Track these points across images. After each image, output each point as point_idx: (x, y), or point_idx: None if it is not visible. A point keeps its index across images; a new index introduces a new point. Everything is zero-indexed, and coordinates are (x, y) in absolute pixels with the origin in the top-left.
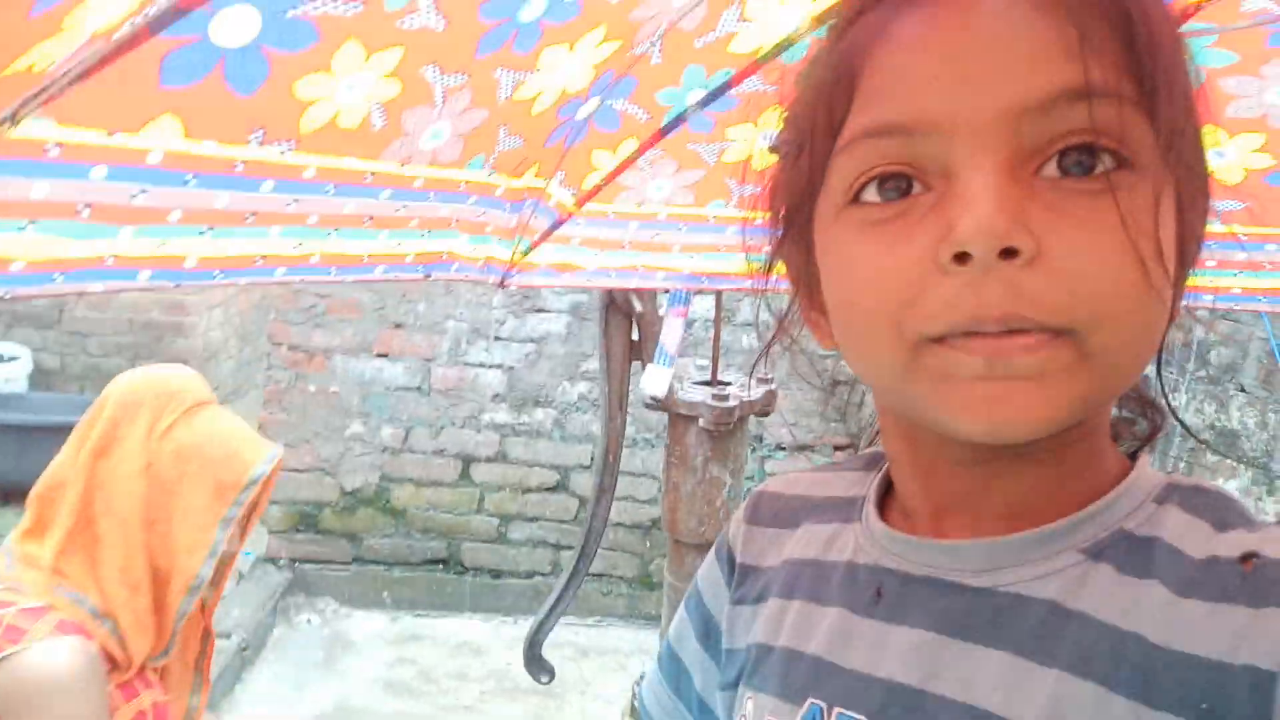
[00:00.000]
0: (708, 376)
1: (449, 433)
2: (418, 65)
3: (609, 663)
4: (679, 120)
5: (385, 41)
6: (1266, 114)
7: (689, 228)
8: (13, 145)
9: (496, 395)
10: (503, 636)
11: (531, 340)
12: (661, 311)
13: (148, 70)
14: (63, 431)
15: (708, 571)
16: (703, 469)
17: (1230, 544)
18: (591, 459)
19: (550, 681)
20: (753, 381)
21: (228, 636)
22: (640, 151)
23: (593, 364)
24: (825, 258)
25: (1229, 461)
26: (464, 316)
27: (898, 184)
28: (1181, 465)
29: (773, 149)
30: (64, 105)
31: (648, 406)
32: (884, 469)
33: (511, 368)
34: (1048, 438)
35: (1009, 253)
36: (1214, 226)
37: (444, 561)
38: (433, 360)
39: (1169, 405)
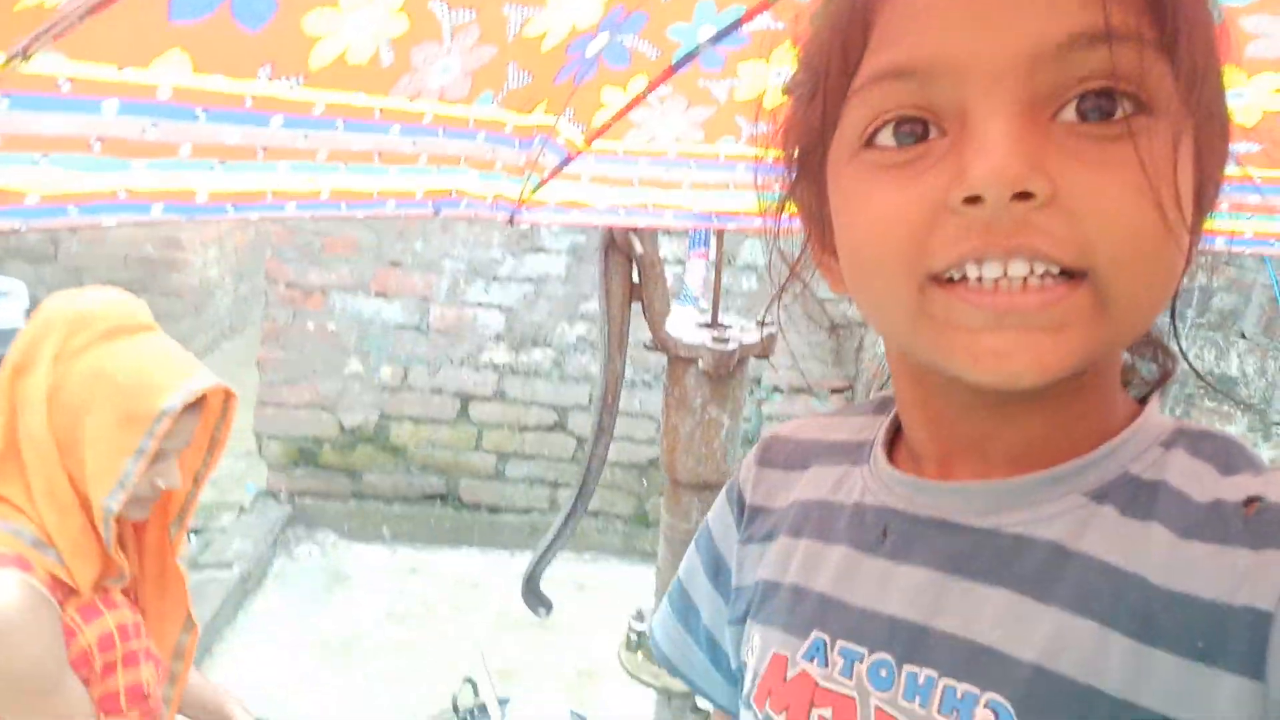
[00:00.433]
0: (708, 319)
1: (447, 371)
2: (425, 0)
3: (604, 597)
4: (689, 57)
5: None
6: None
7: (699, 165)
8: (25, 80)
9: (495, 335)
10: (501, 571)
11: (530, 280)
12: (662, 253)
13: (156, 5)
14: None
15: (718, 512)
16: (701, 411)
17: (1235, 488)
18: (589, 399)
19: (548, 614)
20: (752, 324)
21: (229, 567)
22: (650, 88)
23: (591, 305)
24: (837, 200)
25: (1225, 408)
26: (462, 256)
27: (912, 128)
28: (1178, 411)
29: (786, 90)
30: (75, 40)
31: (647, 348)
32: (893, 413)
33: (510, 308)
34: (1058, 382)
35: (1023, 196)
36: (1229, 169)
37: (442, 497)
38: (431, 299)
39: (1181, 351)
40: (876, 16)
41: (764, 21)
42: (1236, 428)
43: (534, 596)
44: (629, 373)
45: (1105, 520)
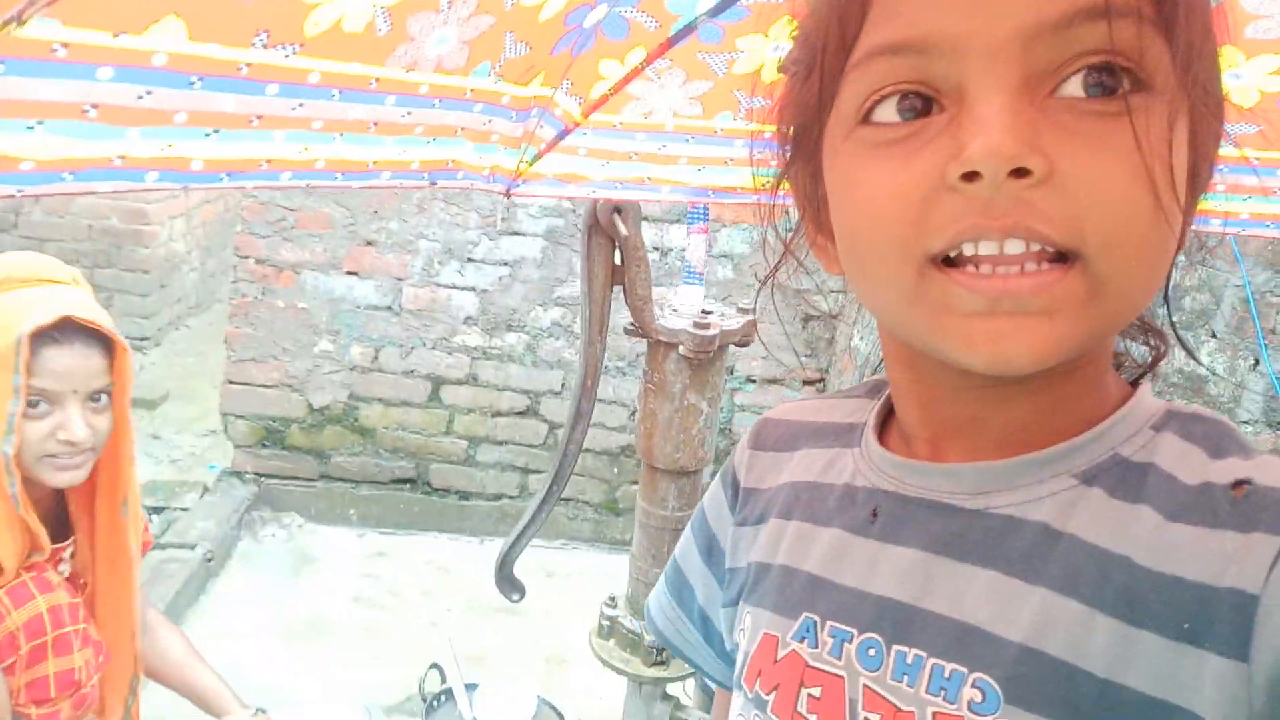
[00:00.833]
0: (706, 305)
1: (419, 353)
2: None
3: (574, 585)
4: (688, 30)
5: None
6: None
7: (696, 140)
8: (20, 45)
9: (468, 318)
10: (470, 556)
11: (505, 264)
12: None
13: None
14: None
15: (713, 494)
16: (680, 396)
17: (1224, 471)
18: (562, 385)
19: (521, 599)
20: (733, 311)
21: (192, 548)
22: (648, 61)
23: (566, 290)
24: (833, 178)
25: (1197, 403)
26: (437, 237)
27: (910, 104)
28: None
29: (781, 68)
30: (69, 6)
31: (628, 332)
32: (885, 396)
33: (485, 290)
34: (1050, 366)
35: (1020, 173)
36: (1226, 150)
37: (412, 481)
38: (404, 280)
39: (1176, 332)
40: None
41: None
42: None
43: (507, 582)
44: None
45: (1094, 502)
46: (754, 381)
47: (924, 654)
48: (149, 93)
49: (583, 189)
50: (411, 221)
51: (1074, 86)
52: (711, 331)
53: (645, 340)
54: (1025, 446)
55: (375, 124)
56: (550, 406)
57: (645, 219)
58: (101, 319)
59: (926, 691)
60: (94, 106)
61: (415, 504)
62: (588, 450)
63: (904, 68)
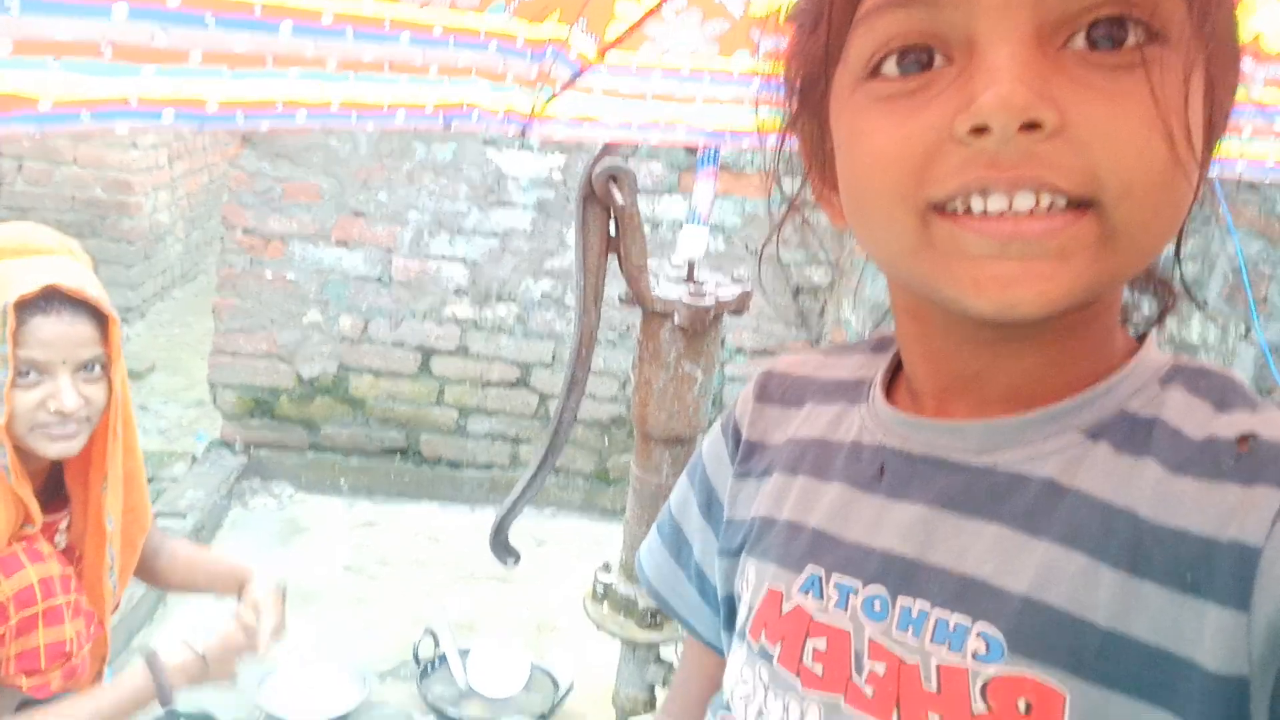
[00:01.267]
0: (684, 274)
1: (409, 324)
2: None
3: (566, 552)
4: None
5: None
6: None
7: (713, 80)
8: None
9: (458, 289)
10: (461, 525)
11: (495, 235)
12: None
13: None
14: None
15: (712, 446)
16: (675, 365)
17: (1229, 424)
18: (553, 357)
19: (516, 564)
20: (728, 280)
21: (183, 517)
22: (665, 0)
23: (557, 261)
24: (839, 131)
25: None
26: (427, 207)
27: (918, 57)
28: None
29: (789, 19)
30: None
31: (622, 301)
32: (893, 352)
33: (475, 262)
34: (1057, 317)
35: (1030, 126)
36: (1258, 93)
37: (402, 451)
38: (394, 250)
39: (1185, 286)
40: None
41: None
42: None
43: (502, 548)
44: None
45: (1099, 457)
46: (744, 353)
47: (929, 606)
48: (164, 31)
49: (598, 130)
50: (401, 192)
51: (1086, 38)
52: (706, 301)
53: (640, 310)
54: (1032, 401)
55: (390, 64)
56: (540, 377)
57: (638, 191)
58: (90, 289)
59: (931, 642)
60: (110, 45)
61: (406, 474)
62: (579, 420)
63: (913, 19)
